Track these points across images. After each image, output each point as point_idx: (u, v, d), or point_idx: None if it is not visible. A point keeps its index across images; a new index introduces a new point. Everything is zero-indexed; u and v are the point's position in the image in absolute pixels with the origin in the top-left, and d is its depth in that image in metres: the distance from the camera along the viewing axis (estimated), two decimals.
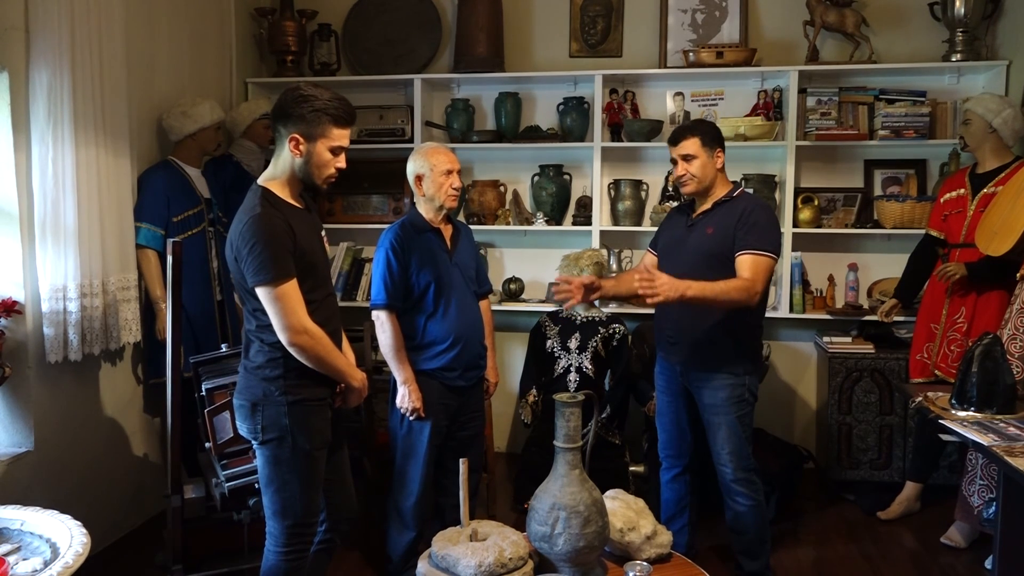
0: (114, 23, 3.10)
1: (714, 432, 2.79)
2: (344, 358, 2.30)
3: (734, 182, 2.86)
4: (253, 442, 2.25)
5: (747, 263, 2.64)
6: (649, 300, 2.46)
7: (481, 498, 3.41)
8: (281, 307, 2.09)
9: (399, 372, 2.78)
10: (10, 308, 2.69)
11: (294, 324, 2.11)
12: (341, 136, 2.18)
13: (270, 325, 2.14)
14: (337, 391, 2.31)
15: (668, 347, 2.87)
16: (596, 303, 3.84)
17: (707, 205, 2.80)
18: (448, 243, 2.85)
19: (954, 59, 3.88)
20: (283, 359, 2.17)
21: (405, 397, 2.77)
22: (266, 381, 2.18)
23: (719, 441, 2.77)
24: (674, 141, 2.78)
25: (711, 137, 2.75)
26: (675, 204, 2.94)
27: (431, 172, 2.77)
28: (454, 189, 2.78)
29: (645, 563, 1.95)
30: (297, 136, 2.13)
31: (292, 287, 2.11)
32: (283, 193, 2.19)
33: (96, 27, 2.98)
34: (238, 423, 2.28)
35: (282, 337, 2.12)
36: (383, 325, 2.77)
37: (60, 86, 2.83)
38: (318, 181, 2.20)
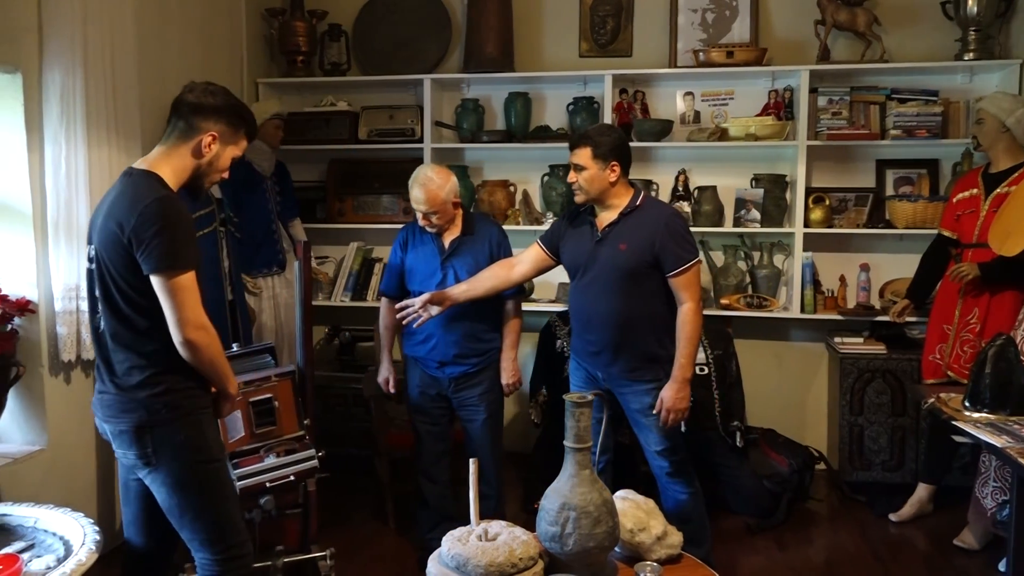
0: (126, 24, 3.11)
1: (646, 433, 2.78)
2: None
3: (634, 185, 2.79)
4: (144, 469, 2.04)
5: (682, 283, 2.66)
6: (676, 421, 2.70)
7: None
8: (184, 299, 1.92)
9: (378, 351, 3.24)
10: (24, 307, 2.71)
11: (193, 318, 1.94)
12: (243, 148, 2.15)
13: (149, 330, 1.97)
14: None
15: (590, 356, 2.82)
16: None
17: (612, 216, 2.72)
18: (447, 246, 2.99)
19: (967, 58, 3.85)
20: (163, 373, 1.99)
21: (377, 372, 3.22)
22: (150, 399, 1.98)
23: (652, 440, 2.77)
24: (570, 147, 2.74)
25: (608, 149, 2.65)
26: (571, 208, 2.88)
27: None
28: (425, 220, 2.98)
29: (656, 564, 1.95)
30: (216, 134, 2.05)
31: (193, 279, 1.96)
32: (172, 184, 2.03)
33: (108, 28, 3.00)
34: (119, 450, 2.07)
35: (179, 332, 1.94)
36: (381, 309, 3.21)
37: (73, 87, 2.85)
38: (206, 185, 2.12)
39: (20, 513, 2.27)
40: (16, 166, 2.79)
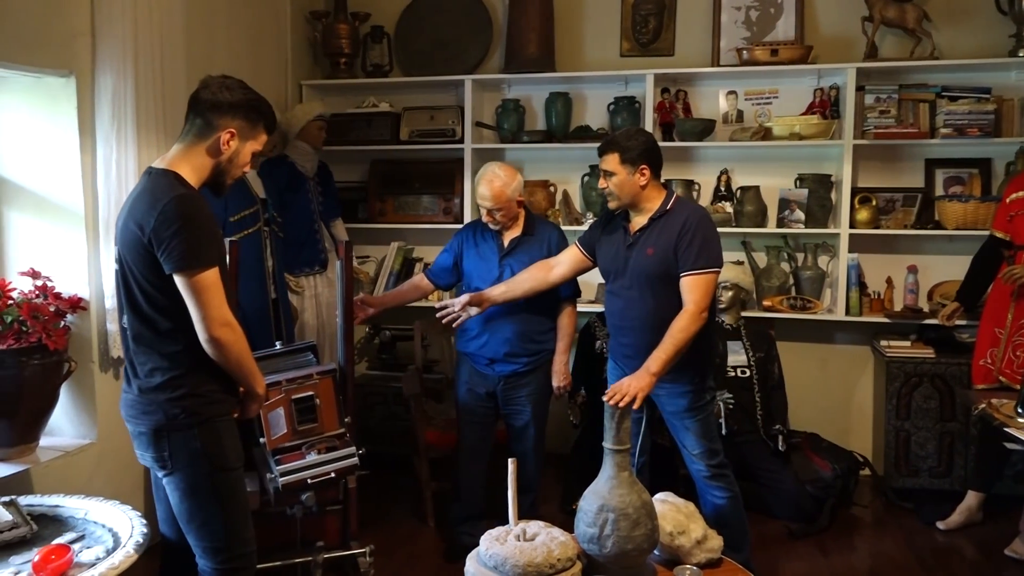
0: (175, 28, 3.18)
1: (682, 435, 2.76)
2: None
3: (667, 187, 2.76)
4: (160, 471, 2.05)
5: (689, 285, 2.61)
6: (625, 405, 2.31)
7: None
8: (208, 297, 1.92)
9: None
10: (76, 305, 2.78)
11: (218, 316, 1.93)
12: (262, 143, 2.12)
13: (171, 331, 1.97)
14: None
15: (625, 359, 2.80)
16: None
17: (643, 221, 2.71)
18: (506, 244, 3.06)
19: (1021, 54, 3.74)
20: (184, 376, 1.99)
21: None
22: (169, 403, 1.98)
23: (689, 443, 2.75)
24: (599, 153, 2.73)
25: (637, 154, 2.63)
26: (607, 210, 2.83)
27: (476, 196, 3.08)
28: (489, 216, 3.05)
29: (695, 568, 1.94)
30: (234, 131, 2.03)
31: (217, 276, 1.95)
32: (193, 181, 2.03)
33: (158, 32, 3.06)
34: (138, 451, 2.08)
35: (204, 330, 1.93)
36: (416, 276, 3.41)
37: (124, 90, 2.92)
38: (228, 181, 2.11)
39: (71, 505, 2.34)
40: (70, 167, 2.87)
